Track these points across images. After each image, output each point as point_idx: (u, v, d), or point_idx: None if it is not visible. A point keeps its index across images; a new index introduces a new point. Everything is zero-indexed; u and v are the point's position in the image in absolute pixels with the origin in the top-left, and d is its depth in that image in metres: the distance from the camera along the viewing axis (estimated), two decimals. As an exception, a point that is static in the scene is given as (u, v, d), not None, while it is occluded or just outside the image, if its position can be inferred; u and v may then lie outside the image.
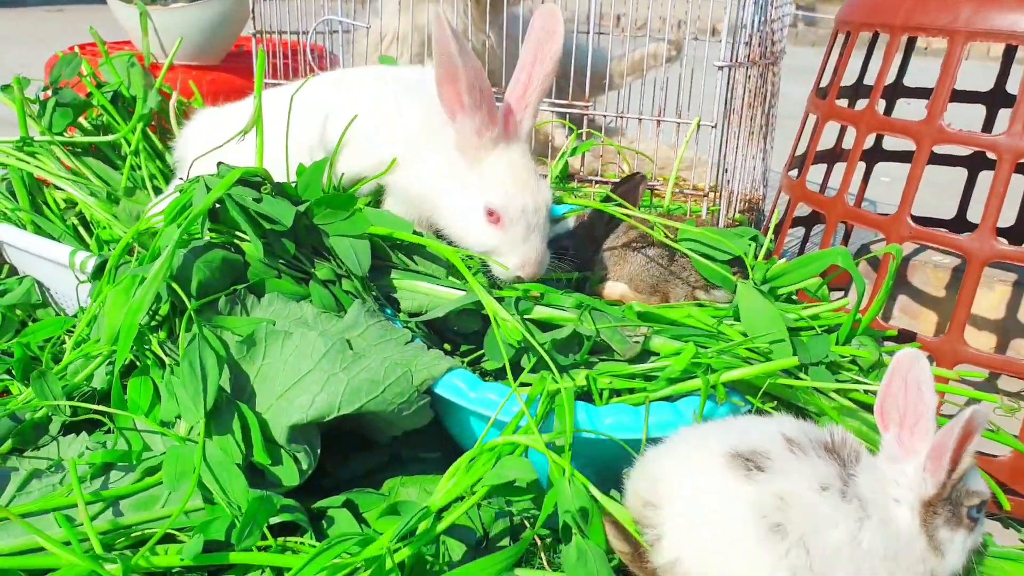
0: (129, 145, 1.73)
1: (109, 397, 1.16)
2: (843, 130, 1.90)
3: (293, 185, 1.23)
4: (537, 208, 1.25)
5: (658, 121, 1.75)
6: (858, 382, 1.14)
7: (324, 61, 1.82)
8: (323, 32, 1.80)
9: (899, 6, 1.48)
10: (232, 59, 2.34)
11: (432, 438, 1.24)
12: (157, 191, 1.70)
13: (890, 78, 1.74)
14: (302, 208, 1.16)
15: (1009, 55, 1.98)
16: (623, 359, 1.14)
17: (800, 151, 1.83)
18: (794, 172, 1.83)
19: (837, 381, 1.14)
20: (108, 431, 1.17)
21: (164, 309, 1.17)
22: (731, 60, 1.56)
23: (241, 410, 1.05)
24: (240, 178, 1.14)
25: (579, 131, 1.77)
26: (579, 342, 1.16)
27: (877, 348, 1.17)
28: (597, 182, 1.77)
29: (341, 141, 1.31)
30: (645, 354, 1.17)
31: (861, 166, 2.05)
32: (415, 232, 1.25)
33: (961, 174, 2.13)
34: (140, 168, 1.74)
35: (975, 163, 2.12)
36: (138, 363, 1.16)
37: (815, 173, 1.85)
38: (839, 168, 1.73)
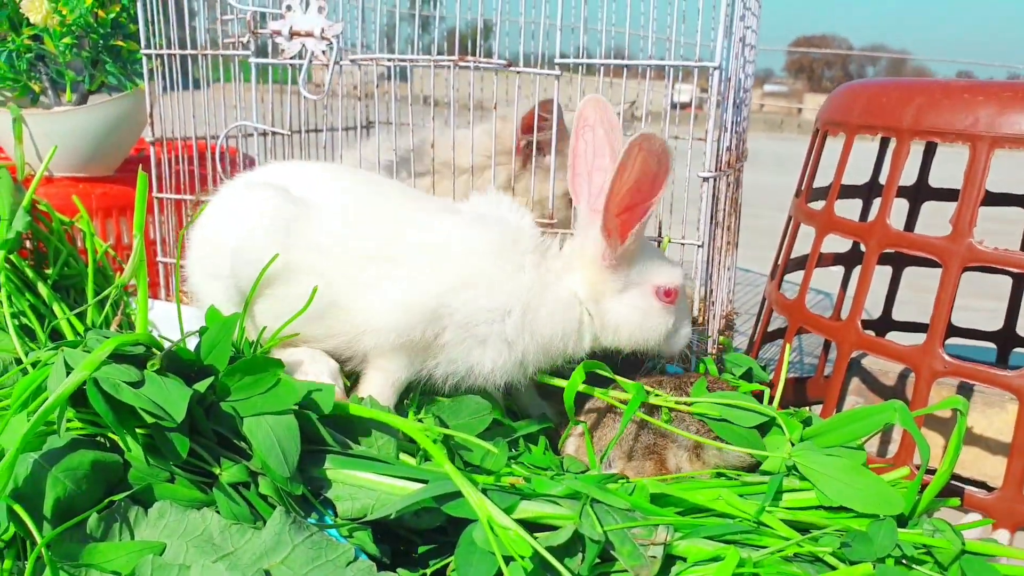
0: (-13, 278, 1.39)
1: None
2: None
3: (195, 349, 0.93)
4: None
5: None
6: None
7: (237, 167, 1.54)
8: (235, 136, 1.52)
9: (904, 106, 1.31)
10: (129, 166, 2.02)
11: None
12: (26, 331, 1.35)
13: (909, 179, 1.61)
14: (202, 386, 0.86)
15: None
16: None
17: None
18: (778, 283, 1.62)
19: (914, 584, 0.88)
20: None
21: (8, 534, 0.83)
22: (716, 168, 1.35)
23: None
24: (116, 351, 0.83)
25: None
26: (581, 548, 0.87)
27: (957, 533, 0.92)
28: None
29: None
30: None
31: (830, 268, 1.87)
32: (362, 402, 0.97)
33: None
34: (2, 305, 1.40)
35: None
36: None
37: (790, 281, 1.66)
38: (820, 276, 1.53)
